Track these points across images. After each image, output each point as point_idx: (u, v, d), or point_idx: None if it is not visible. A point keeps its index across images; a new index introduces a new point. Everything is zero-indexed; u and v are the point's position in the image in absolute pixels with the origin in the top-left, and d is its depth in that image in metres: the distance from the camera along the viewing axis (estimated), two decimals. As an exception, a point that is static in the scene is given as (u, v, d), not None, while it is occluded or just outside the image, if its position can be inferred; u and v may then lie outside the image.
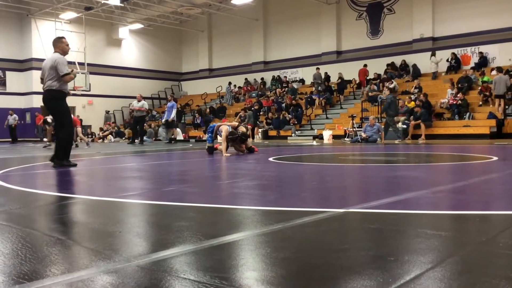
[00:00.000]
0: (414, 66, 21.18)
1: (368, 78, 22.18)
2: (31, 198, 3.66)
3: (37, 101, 23.84)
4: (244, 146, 9.26)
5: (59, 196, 3.73)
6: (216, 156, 8.36)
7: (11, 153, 11.71)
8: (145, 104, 17.13)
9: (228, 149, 8.95)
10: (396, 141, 14.68)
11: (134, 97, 18.11)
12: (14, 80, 26.63)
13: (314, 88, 23.08)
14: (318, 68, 23.43)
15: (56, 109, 6.46)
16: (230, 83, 27.78)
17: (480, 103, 17.23)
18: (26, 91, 26.43)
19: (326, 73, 23.83)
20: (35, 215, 2.90)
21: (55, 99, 6.38)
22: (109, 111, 28.15)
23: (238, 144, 9.21)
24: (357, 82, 22.75)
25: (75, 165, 6.44)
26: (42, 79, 6.50)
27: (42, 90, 6.52)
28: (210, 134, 9.30)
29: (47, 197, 3.74)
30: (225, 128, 8.86)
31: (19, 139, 24.28)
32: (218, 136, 9.40)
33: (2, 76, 26.46)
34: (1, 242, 2.10)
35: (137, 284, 1.48)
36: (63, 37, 6.72)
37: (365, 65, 22.40)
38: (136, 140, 17.52)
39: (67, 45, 6.63)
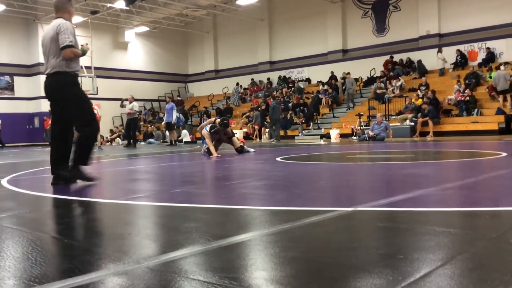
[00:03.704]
0: (419, 62, 21.07)
1: (374, 76, 22.13)
2: (41, 202, 3.68)
3: (45, 106, 23.90)
4: (233, 142, 9.27)
5: (68, 199, 3.75)
6: (222, 158, 8.37)
7: (20, 157, 11.81)
8: (135, 105, 16.91)
9: (219, 150, 9.05)
10: (273, 141, 17.15)
11: (141, 100, 18.11)
12: (22, 85, 26.83)
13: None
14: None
15: (71, 101, 4.45)
16: (237, 84, 27.80)
17: (489, 97, 17.12)
18: (34, 96, 26.60)
19: (332, 72, 23.77)
20: (45, 219, 2.92)
21: (66, 87, 4.44)
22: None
23: (227, 136, 9.21)
24: (364, 80, 22.68)
25: (93, 179, 4.60)
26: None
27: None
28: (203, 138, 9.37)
29: (56, 200, 3.77)
30: (204, 132, 8.88)
31: (22, 144, 24.01)
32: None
33: (10, 82, 26.66)
34: (11, 245, 2.12)
35: (147, 286, 1.49)
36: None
37: (392, 57, 22.29)
38: (137, 143, 17.48)
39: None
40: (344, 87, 21.89)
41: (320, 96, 22.56)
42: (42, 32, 4.33)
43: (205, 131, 8.85)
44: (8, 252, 1.97)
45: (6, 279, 1.60)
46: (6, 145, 21.14)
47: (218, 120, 9.09)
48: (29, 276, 1.61)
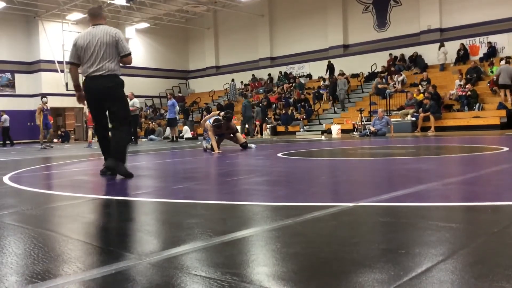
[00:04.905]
0: (419, 57, 21.02)
1: (376, 71, 22.12)
2: (43, 199, 3.69)
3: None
4: (237, 138, 9.26)
5: (70, 196, 3.75)
6: (224, 154, 8.37)
7: (22, 154, 11.82)
8: (135, 102, 16.64)
9: (221, 146, 9.01)
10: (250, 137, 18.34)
11: (142, 96, 18.05)
12: (23, 82, 26.84)
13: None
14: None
15: (121, 101, 4.93)
16: (233, 80, 27.76)
17: (490, 92, 17.08)
18: (35, 93, 26.62)
19: (329, 61, 23.72)
20: (47, 216, 2.93)
21: (121, 88, 4.89)
22: None
23: (230, 131, 9.18)
24: (365, 75, 22.65)
25: (131, 175, 4.71)
26: (77, 58, 4.81)
27: (85, 78, 4.78)
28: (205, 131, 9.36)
29: (58, 197, 3.77)
30: (208, 125, 8.83)
31: (24, 141, 24.05)
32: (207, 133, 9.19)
33: (11, 79, 26.66)
34: (13, 242, 2.12)
35: (149, 281, 1.49)
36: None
37: (395, 57, 22.30)
38: (138, 139, 17.39)
39: None
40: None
41: (321, 91, 22.52)
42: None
43: (209, 123, 8.84)
44: (10, 249, 1.98)
45: (8, 276, 1.60)
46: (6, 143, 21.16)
47: (222, 113, 9.08)
48: (31, 273, 1.62)
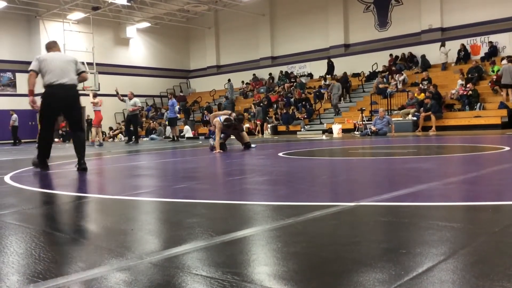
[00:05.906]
0: (423, 57, 21.00)
1: (376, 70, 22.09)
2: (44, 198, 3.69)
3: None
4: (242, 137, 9.26)
5: (71, 195, 3.76)
6: (225, 153, 8.37)
7: (23, 154, 11.83)
8: (137, 102, 16.46)
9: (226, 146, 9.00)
10: None
11: (143, 96, 18.04)
12: (24, 82, 26.78)
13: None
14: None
15: (80, 108, 5.89)
16: (229, 80, 27.69)
17: (491, 91, 17.05)
18: (36, 92, 26.53)
19: (329, 57, 23.66)
20: (48, 215, 2.93)
21: (78, 97, 5.81)
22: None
23: (238, 131, 9.18)
24: (366, 75, 22.63)
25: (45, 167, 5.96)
26: (39, 69, 5.74)
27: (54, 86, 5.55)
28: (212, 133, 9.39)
29: (59, 196, 3.78)
30: (217, 121, 8.82)
31: (25, 140, 24.16)
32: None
33: (12, 78, 26.67)
34: (15, 242, 2.12)
35: (150, 281, 1.49)
36: None
37: (395, 56, 22.25)
38: (139, 140, 17.40)
39: None
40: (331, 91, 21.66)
41: (322, 91, 22.50)
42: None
43: (218, 120, 8.83)
44: (12, 248, 1.98)
45: (10, 275, 1.61)
46: (5, 142, 21.50)
47: (234, 114, 9.11)
48: (32, 272, 1.62)
